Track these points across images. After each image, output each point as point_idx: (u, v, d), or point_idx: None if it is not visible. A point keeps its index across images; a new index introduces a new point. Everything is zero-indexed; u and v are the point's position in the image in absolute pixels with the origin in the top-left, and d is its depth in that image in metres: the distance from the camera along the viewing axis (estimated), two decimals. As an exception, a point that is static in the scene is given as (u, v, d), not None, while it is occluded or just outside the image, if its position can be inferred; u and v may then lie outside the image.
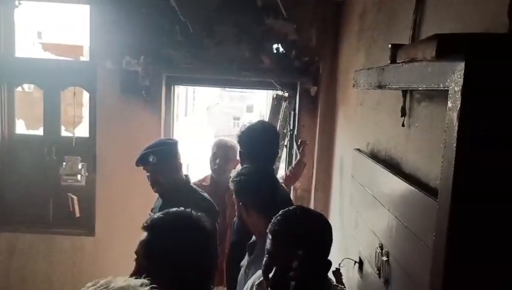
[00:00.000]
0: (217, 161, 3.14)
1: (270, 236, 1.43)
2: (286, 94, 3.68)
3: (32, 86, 5.15)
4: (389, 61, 1.30)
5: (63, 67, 3.87)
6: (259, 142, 2.54)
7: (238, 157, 3.21)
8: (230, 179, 2.13)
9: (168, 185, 2.58)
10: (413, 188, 1.48)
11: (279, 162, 3.64)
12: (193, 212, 1.53)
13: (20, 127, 4.04)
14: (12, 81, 3.79)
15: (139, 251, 1.45)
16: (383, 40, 2.15)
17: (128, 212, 3.64)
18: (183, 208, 1.55)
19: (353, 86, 1.88)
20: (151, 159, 2.52)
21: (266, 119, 4.05)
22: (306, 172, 3.42)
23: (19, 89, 4.03)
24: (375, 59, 2.23)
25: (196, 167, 9.96)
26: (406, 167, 1.70)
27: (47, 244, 3.77)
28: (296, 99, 3.67)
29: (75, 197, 3.68)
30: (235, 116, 33.96)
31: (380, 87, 1.39)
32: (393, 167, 1.78)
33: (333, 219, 3.20)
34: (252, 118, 32.04)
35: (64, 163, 3.61)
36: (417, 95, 1.61)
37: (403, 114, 1.69)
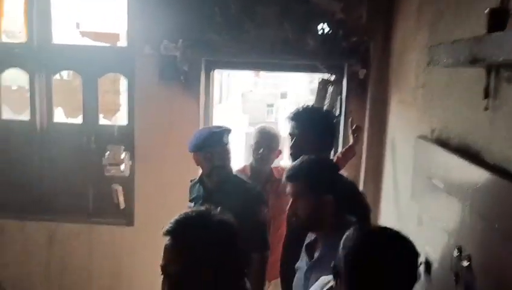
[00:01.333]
0: (261, 151, 2.96)
1: (343, 260, 1.24)
2: (332, 78, 3.44)
3: (70, 73, 5.11)
4: (485, 31, 1.07)
5: (101, 53, 3.76)
6: (320, 128, 2.34)
7: (280, 147, 3.04)
8: (291, 171, 1.87)
9: (213, 171, 2.45)
10: (505, 181, 1.25)
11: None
12: (213, 211, 1.42)
13: (59, 116, 3.96)
14: (50, 68, 3.70)
15: (166, 257, 1.35)
16: (453, 14, 1.90)
17: (167, 201, 3.52)
18: (203, 208, 1.46)
19: (428, 65, 1.65)
20: (225, 140, 2.42)
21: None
22: (353, 160, 3.19)
23: (57, 77, 3.96)
24: (444, 35, 1.98)
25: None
26: (489, 156, 1.46)
27: (86, 234, 3.71)
28: (343, 83, 3.44)
29: (119, 188, 3.58)
30: (268, 103, 33.67)
31: (473, 62, 1.16)
32: (472, 156, 1.55)
33: (386, 212, 2.99)
34: (286, 105, 31.69)
35: (107, 152, 3.51)
36: (506, 73, 1.37)
37: (486, 96, 1.45)
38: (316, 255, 1.75)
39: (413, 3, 2.59)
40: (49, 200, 3.75)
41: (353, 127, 3.01)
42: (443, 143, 1.88)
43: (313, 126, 2.32)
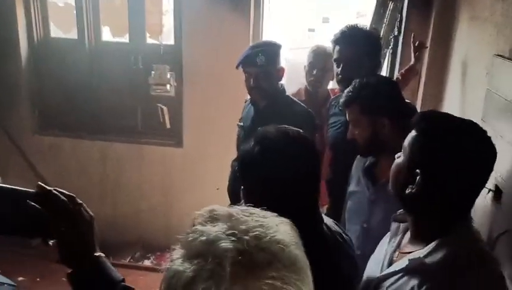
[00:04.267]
0: (314, 72, 2.82)
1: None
2: (393, -7, 3.17)
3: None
4: None
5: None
6: (367, 49, 2.17)
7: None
8: (351, 91, 1.77)
9: (269, 91, 2.35)
10: None
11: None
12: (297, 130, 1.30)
13: (106, 34, 3.91)
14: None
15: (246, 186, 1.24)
16: None
17: (216, 123, 3.51)
18: (286, 126, 1.32)
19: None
20: (258, 60, 2.27)
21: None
22: (411, 83, 3.01)
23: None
24: None
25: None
26: None
27: (137, 153, 3.78)
28: (404, -1, 3.16)
29: (164, 108, 3.58)
30: (310, 27, 32.42)
31: None
32: None
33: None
34: (328, 30, 30.37)
35: (152, 72, 3.47)
36: None
37: None
38: (382, 180, 1.68)
39: None
40: (100, 119, 3.81)
41: (416, 44, 2.81)
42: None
43: (360, 48, 2.14)
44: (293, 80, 3.32)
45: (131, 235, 3.86)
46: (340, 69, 2.17)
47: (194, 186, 3.73)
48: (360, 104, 1.71)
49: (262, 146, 1.19)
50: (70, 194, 0.94)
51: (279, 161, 1.16)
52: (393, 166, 1.26)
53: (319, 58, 2.81)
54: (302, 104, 2.43)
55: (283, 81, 2.50)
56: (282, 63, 2.45)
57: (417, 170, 1.15)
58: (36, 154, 3.85)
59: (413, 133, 1.21)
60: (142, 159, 3.78)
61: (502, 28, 2.03)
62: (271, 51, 2.30)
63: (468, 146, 1.15)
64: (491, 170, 1.24)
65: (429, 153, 1.15)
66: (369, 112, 1.70)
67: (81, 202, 0.96)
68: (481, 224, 1.87)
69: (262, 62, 2.25)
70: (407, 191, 1.17)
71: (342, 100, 1.82)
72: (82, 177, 3.85)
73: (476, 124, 1.23)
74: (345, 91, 1.82)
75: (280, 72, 2.37)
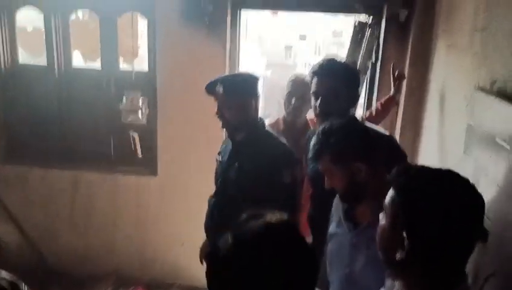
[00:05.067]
0: (293, 102, 2.75)
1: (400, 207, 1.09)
2: (370, 20, 3.15)
3: (86, 14, 4.87)
4: None
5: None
6: (347, 82, 2.12)
7: None
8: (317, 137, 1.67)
9: (237, 124, 2.25)
10: None
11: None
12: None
13: (77, 58, 3.78)
14: (66, 6, 3.47)
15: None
16: None
17: (192, 150, 3.41)
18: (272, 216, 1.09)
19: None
20: (217, 89, 2.18)
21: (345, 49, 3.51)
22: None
23: (73, 18, 3.73)
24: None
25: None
26: None
27: (110, 182, 3.63)
28: (381, 25, 3.14)
29: (136, 136, 3.45)
30: (287, 45, 32.63)
31: None
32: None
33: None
34: (305, 47, 30.69)
35: (123, 98, 3.35)
36: None
37: None
38: (364, 223, 1.59)
39: None
40: (71, 147, 3.66)
41: (395, 74, 2.78)
42: (508, 97, 1.65)
43: (338, 80, 2.09)
44: (270, 98, 3.26)
45: (104, 268, 3.69)
46: (318, 101, 2.11)
47: (170, 217, 3.60)
48: (329, 155, 1.61)
49: (237, 245, 1.00)
50: (14, 281, 0.82)
51: (258, 268, 0.97)
52: (378, 229, 1.17)
53: (297, 87, 2.74)
54: (281, 140, 2.33)
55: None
56: (259, 83, 2.34)
57: (403, 233, 1.06)
58: (2, 185, 3.66)
59: (391, 191, 1.13)
60: (115, 189, 3.63)
61: (481, 59, 2.00)
62: (233, 81, 2.20)
63: (452, 199, 1.07)
64: (481, 218, 1.17)
65: (411, 211, 1.07)
66: (341, 161, 1.60)
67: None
68: (468, 265, 1.80)
69: (219, 92, 2.16)
70: (397, 258, 1.08)
71: (309, 154, 1.71)
72: (51, 208, 3.68)
73: (456, 174, 1.16)
74: (311, 144, 1.72)
75: (247, 105, 2.23)
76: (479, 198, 1.14)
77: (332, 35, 24.85)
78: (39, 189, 3.67)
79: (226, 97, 2.19)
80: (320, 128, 1.67)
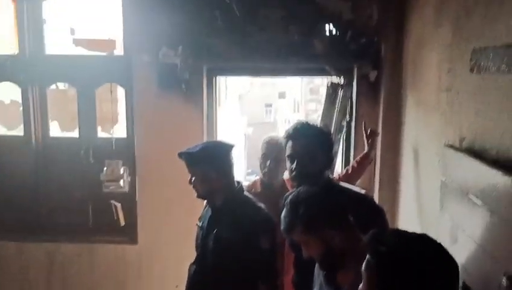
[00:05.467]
0: (268, 163, 2.77)
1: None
2: (342, 81, 3.26)
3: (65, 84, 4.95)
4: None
5: (97, 63, 3.56)
6: (322, 145, 2.15)
7: None
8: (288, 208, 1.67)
9: (205, 193, 2.26)
10: None
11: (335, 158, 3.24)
12: None
13: (54, 129, 3.78)
14: (43, 80, 3.52)
15: None
16: (483, 8, 1.72)
17: (172, 218, 3.36)
18: None
19: (471, 71, 1.47)
20: (192, 158, 2.20)
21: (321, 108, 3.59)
22: (367, 168, 3.02)
23: (52, 86, 3.78)
24: (472, 34, 1.80)
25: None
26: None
27: (88, 253, 3.52)
28: (352, 86, 3.26)
29: (118, 205, 3.40)
30: (267, 103, 33.31)
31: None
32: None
33: (405, 223, 2.80)
34: (285, 105, 31.35)
35: (104, 168, 3.32)
36: None
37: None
38: (345, 287, 1.57)
39: (430, -2, 2.41)
40: (47, 219, 3.58)
41: (367, 132, 2.85)
42: (477, 154, 1.70)
43: (313, 143, 2.13)
44: (253, 156, 3.27)
45: None
46: (294, 164, 2.12)
47: (151, 286, 3.48)
48: (300, 226, 1.60)
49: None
50: None
51: None
52: None
53: (272, 148, 2.77)
54: (258, 203, 2.33)
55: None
56: (241, 140, 2.38)
57: None
58: (-26, 261, 3.52)
59: (367, 257, 1.13)
60: (94, 259, 3.52)
61: (449, 117, 2.08)
62: (199, 152, 2.23)
63: (425, 264, 1.09)
64: (455, 282, 1.17)
65: (385, 276, 1.08)
66: (312, 231, 1.59)
67: None
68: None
69: (186, 162, 2.20)
70: None
71: (282, 227, 1.69)
72: (24, 285, 3.53)
73: (429, 238, 1.18)
74: (282, 216, 1.70)
75: (213, 175, 2.23)
76: (451, 262, 1.15)
77: (310, 92, 25.53)
78: (14, 262, 3.53)
79: (191, 167, 2.23)
80: (288, 198, 1.68)
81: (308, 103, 26.01)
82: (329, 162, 2.23)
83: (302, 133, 2.13)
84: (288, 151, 2.16)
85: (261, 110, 32.05)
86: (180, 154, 2.24)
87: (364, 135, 2.85)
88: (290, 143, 2.15)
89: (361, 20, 3.08)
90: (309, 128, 2.16)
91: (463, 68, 1.85)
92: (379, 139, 3.08)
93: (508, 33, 1.41)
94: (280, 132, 2.96)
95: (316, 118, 3.25)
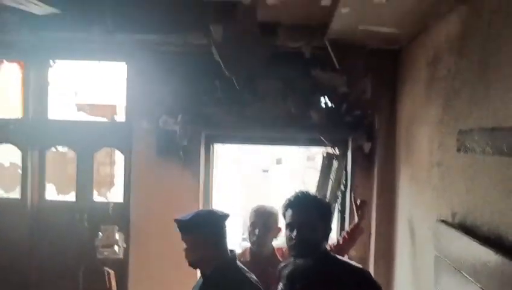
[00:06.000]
0: (256, 232, 2.76)
1: None
2: (337, 152, 3.33)
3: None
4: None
5: (97, 128, 3.65)
6: (322, 214, 2.17)
7: (279, 225, 2.83)
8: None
9: (203, 260, 2.23)
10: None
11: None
12: None
13: (51, 191, 3.78)
14: (44, 144, 3.59)
15: None
16: (471, 89, 1.81)
17: (166, 287, 3.28)
18: None
19: (458, 151, 1.53)
20: (183, 225, 2.20)
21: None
22: (362, 238, 3.00)
23: (51, 149, 3.84)
24: (460, 113, 1.88)
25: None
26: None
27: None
28: (347, 157, 3.32)
29: (111, 272, 3.33)
30: (263, 168, 33.29)
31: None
32: (509, 251, 1.39)
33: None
34: (281, 171, 31.42)
35: (99, 233, 3.30)
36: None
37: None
38: None
39: (421, 75, 2.52)
40: (38, 283, 3.48)
41: (357, 203, 2.86)
42: (469, 230, 1.72)
43: (313, 213, 2.14)
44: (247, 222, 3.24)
45: None
46: (294, 233, 2.11)
47: None
48: None
49: None
50: None
51: None
52: None
53: (260, 217, 2.76)
54: (249, 274, 2.30)
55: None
56: (225, 220, 2.36)
57: None
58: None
59: None
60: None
61: (440, 192, 2.11)
62: (188, 220, 2.23)
63: None
64: None
65: None
66: None
67: None
68: None
69: (179, 228, 2.20)
70: None
71: None
72: None
73: None
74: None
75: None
76: None
77: (306, 159, 25.68)
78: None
79: (183, 235, 2.22)
80: (285, 272, 1.67)
81: (305, 170, 26.07)
82: (328, 233, 2.23)
83: (303, 202, 2.14)
84: (288, 220, 2.15)
85: (258, 175, 31.99)
86: (175, 221, 2.24)
87: (354, 206, 2.86)
88: (290, 212, 2.15)
89: (356, 94, 3.20)
90: (309, 197, 2.17)
91: (452, 146, 1.91)
92: (373, 210, 3.09)
93: (493, 116, 1.48)
94: (275, 201, 2.96)
95: (313, 186, 3.28)
